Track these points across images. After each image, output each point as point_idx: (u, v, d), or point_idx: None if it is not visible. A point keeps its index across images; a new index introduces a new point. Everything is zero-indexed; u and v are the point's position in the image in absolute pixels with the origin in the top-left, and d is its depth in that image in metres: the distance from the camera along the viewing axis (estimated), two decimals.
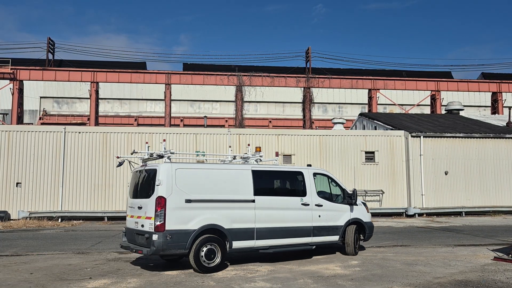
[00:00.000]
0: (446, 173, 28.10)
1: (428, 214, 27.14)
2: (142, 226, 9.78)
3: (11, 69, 39.83)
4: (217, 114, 56.92)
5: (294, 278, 8.91)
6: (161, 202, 9.37)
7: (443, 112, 43.61)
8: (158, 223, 9.26)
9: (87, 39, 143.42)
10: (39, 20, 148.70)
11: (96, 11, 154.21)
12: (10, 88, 40.48)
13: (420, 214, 27.00)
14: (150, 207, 9.57)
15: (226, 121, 51.72)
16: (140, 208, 10.03)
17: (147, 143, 12.28)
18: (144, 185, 10.28)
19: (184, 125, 51.24)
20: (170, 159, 10.24)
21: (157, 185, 9.53)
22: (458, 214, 27.48)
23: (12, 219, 23.96)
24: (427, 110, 53.27)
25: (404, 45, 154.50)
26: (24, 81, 41.39)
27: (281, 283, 8.47)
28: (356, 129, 36.23)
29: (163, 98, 45.36)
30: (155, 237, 9.21)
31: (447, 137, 28.50)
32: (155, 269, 9.99)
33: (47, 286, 8.40)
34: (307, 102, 44.50)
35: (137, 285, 8.40)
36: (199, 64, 57.01)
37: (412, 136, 28.09)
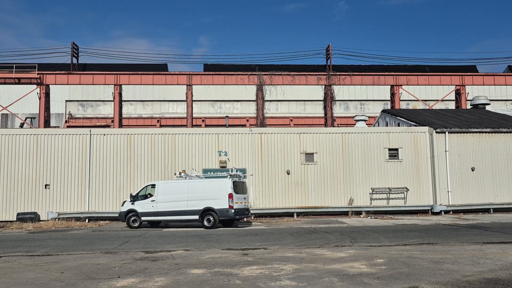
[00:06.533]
0: (473, 169, 27.50)
1: (455, 211, 26.63)
2: (247, 205, 22.35)
3: (38, 74, 40.92)
4: (238, 114, 57.10)
5: (320, 277, 8.89)
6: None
7: (469, 107, 42.66)
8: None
9: (110, 43, 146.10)
10: (63, 27, 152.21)
11: (118, 16, 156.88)
12: (37, 93, 41.61)
13: (447, 212, 26.52)
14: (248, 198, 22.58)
15: (247, 120, 51.84)
16: (244, 198, 21.88)
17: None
18: (242, 188, 21.80)
19: (206, 125, 51.64)
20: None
21: (247, 188, 23.10)
22: (486, 211, 26.87)
23: (41, 220, 24.64)
24: (451, 106, 52.22)
25: (427, 40, 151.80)
26: (50, 86, 42.45)
27: (307, 282, 8.46)
28: (378, 126, 35.81)
29: (184, 99, 45.79)
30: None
31: (473, 132, 27.89)
32: (181, 268, 10.12)
33: (78, 285, 8.61)
34: (328, 99, 44.22)
35: (164, 284, 8.52)
36: (219, 65, 57.38)
37: (436, 132, 27.61)
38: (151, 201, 21.56)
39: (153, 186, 22.21)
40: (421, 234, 16.58)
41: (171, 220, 22.04)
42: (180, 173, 22.50)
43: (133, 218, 21.70)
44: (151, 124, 52.96)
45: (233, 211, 20.56)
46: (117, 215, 25.18)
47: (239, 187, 21.45)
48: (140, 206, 21.69)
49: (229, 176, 21.39)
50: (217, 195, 20.79)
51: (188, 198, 21.06)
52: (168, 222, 22.76)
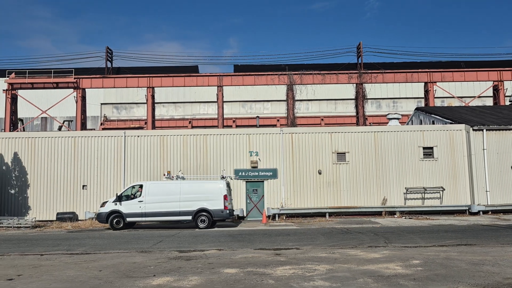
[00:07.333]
0: None
1: (494, 212, 25.74)
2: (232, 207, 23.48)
3: (74, 78, 42.27)
4: (268, 114, 57.12)
5: (354, 277, 8.79)
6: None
7: (507, 103, 41.06)
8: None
9: (142, 47, 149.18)
10: (97, 32, 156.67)
11: (149, 20, 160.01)
12: (74, 97, 42.96)
13: (485, 212, 25.67)
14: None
15: (278, 120, 51.75)
16: (231, 200, 22.78)
17: None
18: (230, 190, 22.71)
19: (237, 126, 51.90)
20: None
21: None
22: None
23: (79, 220, 25.46)
24: (489, 102, 50.42)
25: (462, 35, 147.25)
26: (86, 89, 43.76)
27: (341, 282, 8.39)
28: (412, 124, 35.03)
29: (215, 100, 46.21)
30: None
31: None
32: (215, 268, 10.23)
33: (115, 282, 8.85)
34: (359, 98, 43.59)
35: (198, 283, 8.63)
36: (249, 65, 57.57)
37: (473, 129, 26.76)
38: (139, 201, 21.34)
39: (134, 186, 22.03)
40: (459, 235, 16.12)
41: (161, 221, 22.06)
42: (168, 174, 23.09)
43: (116, 219, 21.24)
44: (183, 125, 53.70)
45: (228, 211, 21.44)
46: None
47: (228, 189, 22.33)
48: (126, 207, 21.30)
49: (222, 178, 22.49)
50: (211, 196, 21.39)
51: (181, 199, 21.31)
52: (156, 223, 22.78)
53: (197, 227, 21.02)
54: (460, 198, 26.57)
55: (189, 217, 21.24)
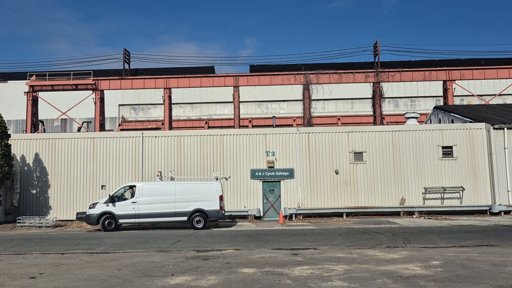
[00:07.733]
0: None
1: None
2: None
3: (93, 80, 42.92)
4: (284, 114, 57.01)
5: (372, 278, 8.72)
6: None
7: None
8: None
9: (159, 48, 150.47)
10: (115, 34, 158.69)
11: (166, 21, 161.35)
12: (93, 98, 43.62)
13: (507, 212, 25.18)
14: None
15: (294, 120, 51.60)
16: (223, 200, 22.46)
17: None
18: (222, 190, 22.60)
19: (253, 126, 51.93)
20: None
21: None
22: None
23: None
24: (510, 100, 49.46)
25: (481, 32, 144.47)
26: (104, 91, 44.39)
27: (359, 283, 8.33)
28: (431, 123, 34.55)
29: (231, 100, 46.34)
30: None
31: None
32: (232, 267, 10.27)
33: (134, 281, 8.96)
34: (377, 97, 43.17)
35: (216, 283, 8.68)
36: (265, 65, 57.59)
37: (494, 128, 26.26)
38: (132, 202, 21.11)
39: (126, 187, 21.83)
40: (479, 235, 15.84)
41: (155, 222, 22.00)
42: (160, 175, 23.23)
43: (108, 220, 20.92)
44: (200, 125, 53.99)
45: (223, 211, 21.79)
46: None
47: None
48: (118, 208, 21.03)
49: (216, 179, 22.45)
50: (207, 197, 21.50)
51: (176, 200, 21.31)
52: (151, 224, 22.68)
53: (193, 228, 21.06)
54: (480, 198, 26.08)
55: (185, 218, 21.21)
